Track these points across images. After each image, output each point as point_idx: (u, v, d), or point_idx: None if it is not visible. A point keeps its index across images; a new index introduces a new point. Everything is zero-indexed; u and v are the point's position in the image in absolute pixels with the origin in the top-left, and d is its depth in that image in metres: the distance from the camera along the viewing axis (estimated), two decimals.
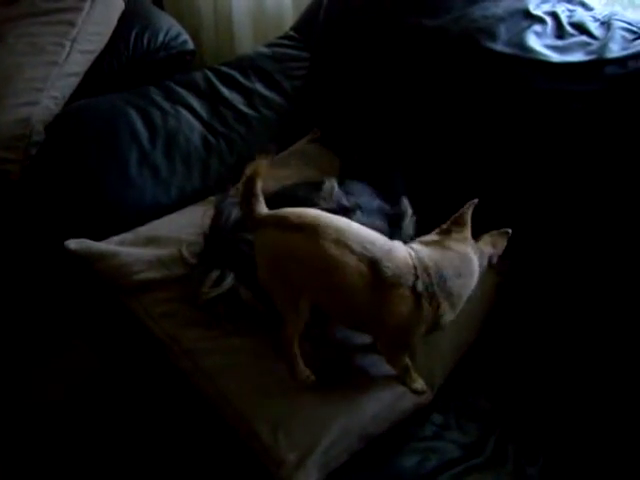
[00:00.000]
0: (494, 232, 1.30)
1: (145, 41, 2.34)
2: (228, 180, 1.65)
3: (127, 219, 1.72)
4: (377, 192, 1.59)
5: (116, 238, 1.66)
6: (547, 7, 1.70)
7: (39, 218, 1.91)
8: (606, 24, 1.62)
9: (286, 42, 2.20)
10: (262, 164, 1.28)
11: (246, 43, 2.67)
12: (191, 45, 2.43)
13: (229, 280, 1.45)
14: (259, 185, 1.29)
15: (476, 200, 1.28)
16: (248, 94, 2.04)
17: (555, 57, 1.58)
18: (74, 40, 2.21)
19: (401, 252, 1.25)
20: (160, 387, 1.52)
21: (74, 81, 2.20)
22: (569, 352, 1.48)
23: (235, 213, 1.53)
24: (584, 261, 1.52)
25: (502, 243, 1.30)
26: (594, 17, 1.66)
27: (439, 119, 1.72)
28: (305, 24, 2.20)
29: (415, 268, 1.22)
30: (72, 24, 2.24)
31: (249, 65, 2.11)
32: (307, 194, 1.52)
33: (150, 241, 1.64)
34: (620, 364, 1.44)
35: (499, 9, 1.71)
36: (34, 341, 2.17)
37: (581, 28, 1.63)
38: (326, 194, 1.50)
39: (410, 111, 1.77)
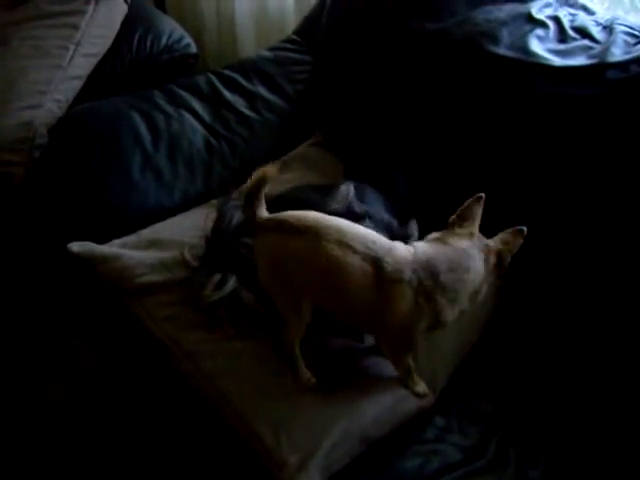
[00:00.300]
0: (508, 230, 1.27)
1: (148, 44, 2.35)
2: (231, 183, 1.65)
3: (130, 222, 1.73)
4: (389, 205, 1.58)
5: (119, 241, 1.66)
6: (549, 11, 1.71)
7: (42, 221, 1.91)
8: (608, 28, 1.62)
9: (288, 45, 2.21)
10: (270, 170, 1.28)
11: (249, 46, 2.68)
12: (194, 48, 2.44)
13: (231, 283, 1.45)
14: (263, 190, 1.30)
15: (482, 194, 1.27)
16: (250, 97, 2.04)
17: (557, 61, 1.58)
18: (78, 43, 2.22)
19: (401, 249, 1.26)
20: (161, 389, 1.52)
21: (77, 84, 2.21)
22: (571, 355, 1.48)
23: (237, 217, 1.53)
24: (585, 264, 1.52)
25: (516, 241, 1.27)
26: (596, 21, 1.66)
27: (442, 122, 1.72)
28: (307, 28, 2.21)
29: (413, 264, 1.23)
30: (76, 27, 2.25)
31: (251, 68, 2.12)
32: (309, 197, 1.53)
33: (153, 244, 1.65)
34: (621, 366, 1.44)
35: (502, 13, 1.71)
36: (36, 342, 2.17)
37: (583, 32, 1.63)
38: (341, 197, 1.51)
39: (413, 114, 1.78)
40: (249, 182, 1.29)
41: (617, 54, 1.53)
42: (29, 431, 1.99)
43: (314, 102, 2.04)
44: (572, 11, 1.71)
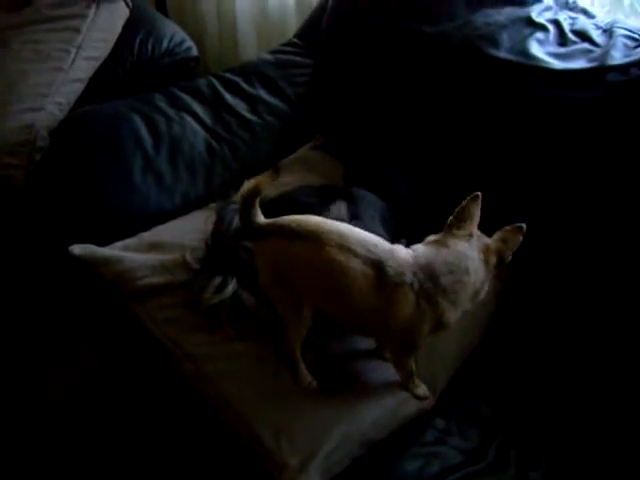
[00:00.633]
0: (507, 227, 1.27)
1: (149, 48, 2.35)
2: (231, 186, 1.66)
3: (131, 225, 1.73)
4: (387, 214, 1.58)
5: (120, 243, 1.67)
6: (549, 15, 1.71)
7: (44, 223, 1.91)
8: (608, 31, 1.63)
9: (289, 49, 2.21)
10: (264, 180, 1.27)
11: (250, 50, 2.68)
12: (195, 52, 2.44)
13: (231, 287, 1.45)
14: (257, 199, 1.29)
15: (479, 193, 1.26)
16: (251, 101, 2.05)
17: (557, 64, 1.58)
18: (79, 47, 2.23)
19: (402, 252, 1.26)
20: (162, 391, 1.52)
21: (79, 87, 2.21)
22: (571, 357, 1.48)
23: (236, 220, 1.53)
24: (586, 266, 1.52)
25: (516, 239, 1.26)
26: (596, 25, 1.66)
27: (442, 125, 1.73)
28: (308, 31, 2.21)
29: (413, 267, 1.23)
30: (77, 31, 2.25)
31: (253, 72, 2.12)
32: (308, 199, 1.53)
33: (154, 247, 1.65)
34: (622, 368, 1.44)
35: (501, 16, 1.71)
36: (36, 343, 2.18)
37: (583, 35, 1.64)
38: (334, 216, 1.50)
39: (413, 117, 1.78)
40: (242, 191, 1.28)
41: (617, 57, 1.54)
42: (29, 431, 1.99)
43: (315, 105, 2.05)
44: (572, 14, 1.72)
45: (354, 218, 1.50)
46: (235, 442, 1.32)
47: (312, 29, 2.17)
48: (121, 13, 2.38)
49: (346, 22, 1.99)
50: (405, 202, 1.66)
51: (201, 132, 1.95)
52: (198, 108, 1.99)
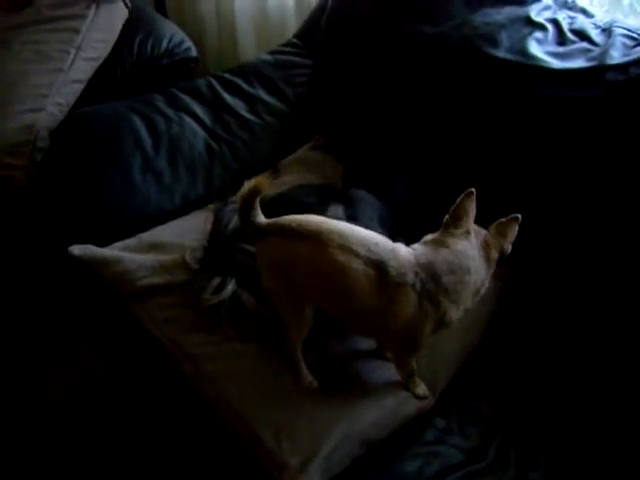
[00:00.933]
0: (502, 220, 1.26)
1: (149, 48, 2.35)
2: (230, 186, 1.65)
3: (131, 225, 1.73)
4: (385, 214, 1.58)
5: (120, 244, 1.67)
6: (548, 14, 1.71)
7: (44, 224, 1.92)
8: (607, 31, 1.63)
9: (289, 49, 2.22)
10: (263, 181, 1.27)
11: (249, 50, 2.69)
12: (194, 52, 2.45)
13: (230, 287, 1.45)
14: (257, 199, 1.29)
15: (473, 189, 1.26)
16: (251, 101, 2.05)
17: (556, 63, 1.58)
18: (79, 47, 2.23)
19: (403, 252, 1.25)
20: (162, 391, 1.52)
21: (78, 88, 2.22)
22: (571, 357, 1.48)
23: (234, 222, 1.53)
24: (585, 266, 1.52)
25: (512, 230, 1.26)
26: (595, 24, 1.66)
27: (441, 125, 1.73)
28: (307, 31, 2.22)
29: (415, 267, 1.23)
30: (77, 31, 2.26)
31: (252, 72, 2.12)
32: (307, 199, 1.53)
33: (153, 247, 1.65)
34: (622, 368, 1.44)
35: (500, 16, 1.72)
36: (36, 343, 2.18)
37: (582, 35, 1.64)
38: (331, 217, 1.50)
39: (412, 117, 1.78)
40: (242, 192, 1.28)
41: (616, 56, 1.54)
42: (29, 431, 1.99)
43: (314, 105, 2.05)
44: (571, 14, 1.72)
45: (351, 219, 1.49)
46: (235, 442, 1.32)
47: (311, 29, 2.17)
48: (120, 14, 2.38)
49: (345, 22, 1.99)
50: (404, 202, 1.66)
51: (200, 132, 1.95)
52: (197, 108, 2.00)
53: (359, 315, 1.28)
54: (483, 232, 1.28)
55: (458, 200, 1.26)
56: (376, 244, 1.25)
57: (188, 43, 2.43)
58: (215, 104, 2.02)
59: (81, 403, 2.04)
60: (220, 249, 1.52)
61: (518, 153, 1.60)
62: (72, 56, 2.22)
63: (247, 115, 2.02)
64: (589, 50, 1.59)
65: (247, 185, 1.28)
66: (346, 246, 1.22)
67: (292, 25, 2.48)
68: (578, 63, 1.57)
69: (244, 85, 2.08)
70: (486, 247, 1.26)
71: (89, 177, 1.82)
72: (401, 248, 1.27)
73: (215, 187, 1.86)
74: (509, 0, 1.76)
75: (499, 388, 1.46)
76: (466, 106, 1.68)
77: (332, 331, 1.41)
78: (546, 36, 1.65)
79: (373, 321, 1.27)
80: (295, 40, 2.25)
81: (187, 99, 2.01)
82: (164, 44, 2.37)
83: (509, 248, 1.27)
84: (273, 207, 1.37)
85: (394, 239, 1.31)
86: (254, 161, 1.90)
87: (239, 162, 1.93)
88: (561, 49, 1.62)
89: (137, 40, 2.35)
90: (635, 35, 1.59)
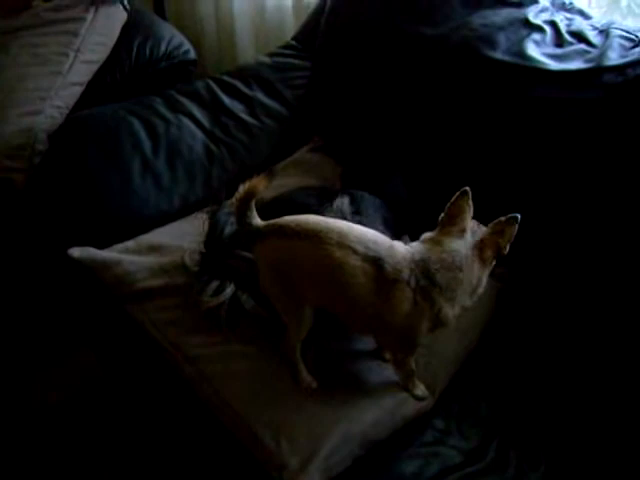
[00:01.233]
0: (501, 219, 1.25)
1: (148, 51, 2.36)
2: (229, 189, 1.65)
3: (130, 227, 1.73)
4: (387, 213, 1.58)
5: (119, 246, 1.67)
6: (546, 16, 1.72)
7: (43, 226, 1.92)
8: (604, 32, 1.63)
9: (287, 51, 2.22)
10: (260, 183, 1.28)
11: (248, 53, 2.69)
12: (193, 55, 2.45)
13: (229, 290, 1.46)
14: (253, 202, 1.30)
15: (467, 188, 1.26)
16: (250, 103, 2.05)
17: (554, 65, 1.59)
18: (77, 50, 2.23)
19: (401, 249, 1.26)
20: (161, 392, 1.52)
21: (77, 91, 2.22)
22: (570, 357, 1.49)
23: (229, 226, 1.53)
24: (583, 266, 1.52)
25: (510, 230, 1.25)
26: (592, 26, 1.67)
27: (440, 126, 1.73)
28: (306, 34, 2.22)
29: (411, 264, 1.23)
30: (75, 34, 2.26)
31: (250, 74, 2.13)
32: (306, 199, 1.53)
33: (153, 249, 1.65)
34: (621, 368, 1.45)
35: (498, 18, 1.72)
36: (36, 345, 2.18)
37: (579, 36, 1.64)
38: (335, 212, 1.51)
39: (411, 119, 1.79)
40: (238, 194, 1.29)
41: (613, 58, 1.54)
42: (29, 434, 1.99)
43: (313, 107, 2.05)
44: (568, 16, 1.73)
45: (356, 213, 1.50)
46: (234, 443, 1.32)
47: (310, 32, 2.18)
48: (119, 16, 2.38)
49: (344, 25, 1.99)
50: (404, 205, 1.66)
51: (199, 135, 1.95)
52: (196, 111, 2.00)
53: (357, 312, 1.28)
54: (481, 231, 1.28)
55: (452, 199, 1.27)
56: (374, 242, 1.25)
57: (187, 46, 2.44)
58: (214, 106, 2.03)
59: (81, 405, 2.04)
60: (216, 257, 1.52)
61: (516, 154, 1.60)
62: (71, 59, 2.22)
63: (246, 117, 2.02)
64: (587, 52, 1.60)
65: (242, 187, 1.28)
66: (344, 243, 1.23)
67: (290, 27, 2.49)
68: (576, 65, 1.57)
69: (243, 87, 2.08)
70: (481, 246, 1.26)
71: (88, 180, 1.82)
72: (399, 245, 1.27)
73: (214, 189, 1.86)
74: (507, 2, 1.77)
75: (498, 389, 1.47)
76: (464, 107, 1.68)
77: (331, 332, 1.41)
78: (544, 38, 1.66)
79: (371, 318, 1.28)
80: (293, 42, 2.25)
81: (186, 102, 2.02)
82: (163, 47, 2.38)
83: (506, 248, 1.27)
84: (273, 209, 1.37)
85: (399, 238, 1.31)
86: (253, 163, 1.90)
87: (238, 164, 1.94)
88: (559, 51, 1.63)
89: (136, 43, 2.36)
90: (633, 36, 1.59)
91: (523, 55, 1.62)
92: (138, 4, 2.53)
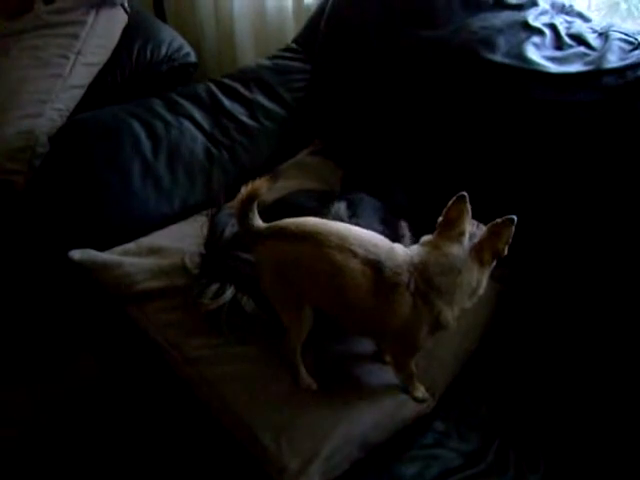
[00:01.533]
0: (498, 221, 1.24)
1: (148, 54, 2.36)
2: (227, 192, 1.66)
3: (130, 230, 1.73)
4: (385, 214, 1.58)
5: (119, 248, 1.67)
6: (546, 19, 1.72)
7: (43, 228, 1.92)
8: (604, 35, 1.64)
9: (287, 54, 2.22)
10: (263, 184, 1.28)
11: (248, 55, 2.69)
12: (193, 57, 2.45)
13: (229, 293, 1.46)
14: (255, 204, 1.30)
15: (464, 193, 1.25)
16: (250, 106, 2.05)
17: (553, 68, 1.59)
18: (78, 53, 2.24)
19: (400, 252, 1.26)
20: (161, 394, 1.52)
21: (78, 93, 2.22)
22: (570, 359, 1.49)
23: (229, 228, 1.53)
24: (584, 268, 1.53)
25: (507, 231, 1.24)
26: (592, 28, 1.67)
27: (440, 129, 1.74)
28: (306, 36, 2.22)
29: (410, 267, 1.24)
30: (76, 37, 2.26)
31: (251, 77, 2.13)
32: (306, 202, 1.53)
33: (153, 251, 1.66)
34: (621, 370, 1.45)
35: (498, 21, 1.72)
36: (35, 347, 2.18)
37: (579, 39, 1.65)
38: (334, 214, 1.50)
39: (411, 121, 1.79)
40: (240, 196, 1.29)
41: (613, 60, 1.55)
42: (28, 434, 1.99)
43: (313, 110, 2.05)
44: (568, 18, 1.73)
45: (353, 216, 1.50)
46: (235, 445, 1.32)
47: (310, 34, 2.18)
48: (120, 19, 2.39)
49: (344, 27, 2.00)
50: (404, 209, 1.66)
51: (200, 137, 1.95)
52: (197, 113, 2.00)
53: (357, 315, 1.28)
54: (480, 232, 1.27)
55: (450, 203, 1.27)
56: (374, 245, 1.26)
57: (187, 48, 2.44)
58: (214, 109, 2.03)
59: (80, 406, 2.04)
60: (217, 257, 1.52)
61: (516, 157, 1.61)
62: (71, 62, 2.22)
63: (246, 120, 2.02)
64: (586, 54, 1.60)
65: (245, 189, 1.28)
66: (344, 246, 1.23)
67: (291, 30, 2.49)
68: (575, 67, 1.58)
69: (243, 90, 2.08)
70: (478, 250, 1.25)
71: (89, 182, 1.82)
72: (399, 248, 1.28)
73: (214, 192, 1.85)
74: (507, 5, 1.77)
75: (498, 391, 1.47)
76: (464, 110, 1.68)
77: (331, 334, 1.41)
78: (543, 40, 1.66)
79: (371, 321, 1.28)
80: (294, 45, 2.25)
81: (186, 104, 2.02)
82: (163, 49, 2.38)
83: (505, 249, 1.27)
84: (274, 211, 1.37)
85: (401, 237, 1.30)
86: (253, 166, 1.90)
87: (238, 167, 1.94)
88: (558, 53, 1.63)
89: (136, 45, 2.36)
90: (632, 39, 1.60)
91: (523, 58, 1.63)
92: (139, 7, 2.54)
